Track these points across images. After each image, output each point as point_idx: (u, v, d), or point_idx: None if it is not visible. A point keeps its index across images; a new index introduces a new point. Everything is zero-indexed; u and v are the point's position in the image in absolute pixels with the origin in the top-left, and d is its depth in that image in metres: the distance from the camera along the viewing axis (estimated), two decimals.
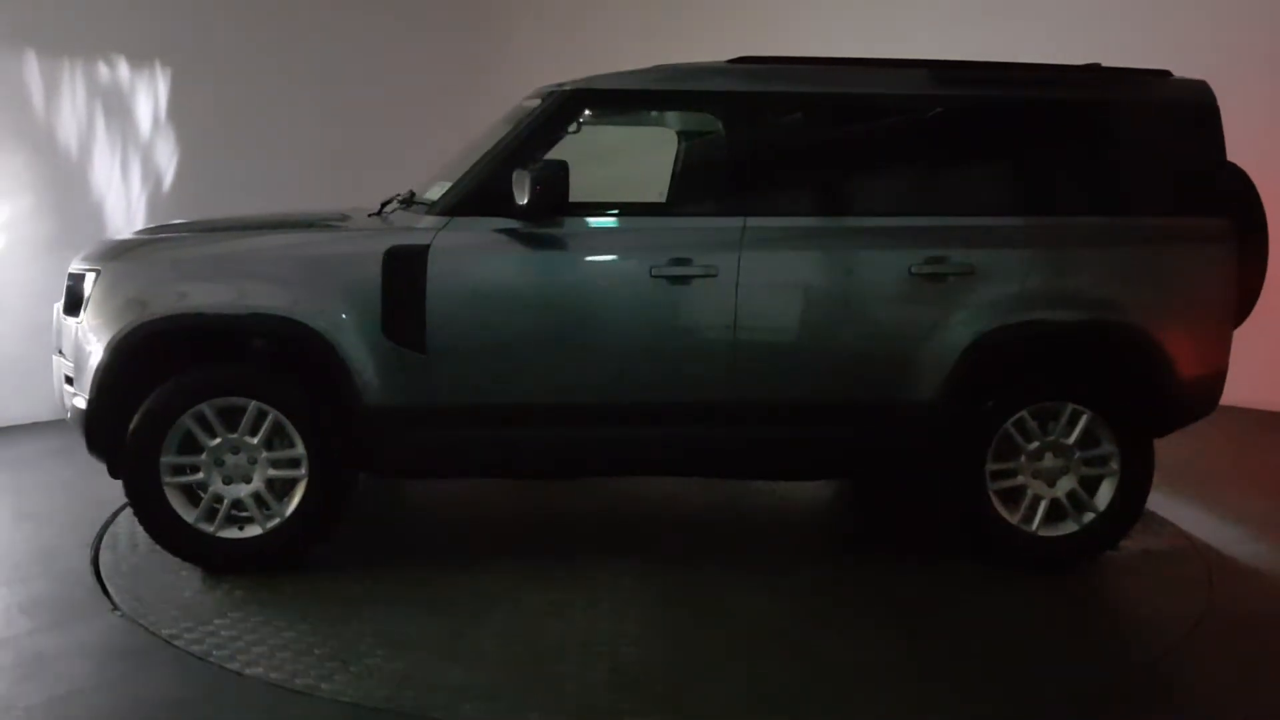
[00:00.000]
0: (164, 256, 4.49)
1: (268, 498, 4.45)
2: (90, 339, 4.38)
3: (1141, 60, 5.23)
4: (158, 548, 4.45)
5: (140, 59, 7.37)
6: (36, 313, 6.15)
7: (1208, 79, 4.86)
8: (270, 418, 4.39)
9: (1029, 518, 4.68)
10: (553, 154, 5.09)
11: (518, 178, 4.30)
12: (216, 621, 4.01)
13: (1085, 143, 4.79)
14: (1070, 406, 4.63)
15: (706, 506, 5.52)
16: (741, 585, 4.47)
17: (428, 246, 4.38)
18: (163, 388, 4.34)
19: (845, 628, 4.13)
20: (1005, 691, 3.68)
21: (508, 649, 3.83)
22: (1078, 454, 4.67)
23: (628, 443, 4.57)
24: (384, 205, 4.87)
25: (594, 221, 4.54)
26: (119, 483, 4.40)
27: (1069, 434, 4.64)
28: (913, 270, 4.50)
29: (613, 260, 4.48)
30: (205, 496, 4.42)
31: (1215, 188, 4.78)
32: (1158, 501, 4.86)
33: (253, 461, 4.43)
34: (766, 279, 4.47)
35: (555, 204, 4.32)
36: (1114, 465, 4.67)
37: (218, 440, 4.40)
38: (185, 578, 4.42)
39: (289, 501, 4.46)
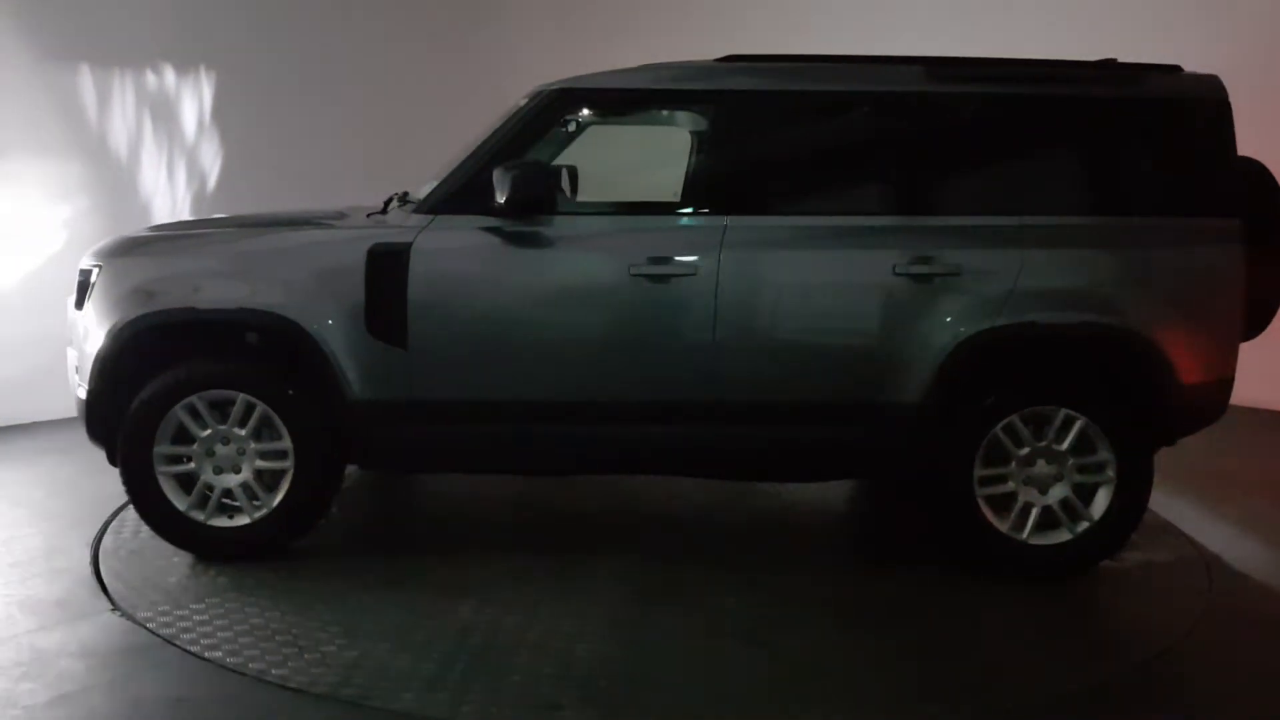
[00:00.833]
0: (160, 254, 4.64)
1: (256, 488, 4.57)
2: (90, 332, 4.56)
3: (1158, 55, 5.06)
4: (155, 542, 4.61)
5: (185, 66, 7.65)
6: None
7: (1228, 74, 4.68)
8: (258, 410, 4.51)
9: (1020, 525, 4.55)
10: (564, 155, 5.20)
11: (497, 176, 4.35)
12: (193, 606, 4.14)
13: (1084, 140, 4.65)
14: (1063, 412, 4.49)
15: (704, 507, 5.49)
16: (719, 585, 4.45)
17: (410, 244, 4.45)
18: (156, 380, 4.49)
19: (814, 628, 4.09)
20: (973, 692, 3.63)
21: (464, 641, 3.87)
22: (1071, 461, 4.53)
23: (608, 441, 4.58)
24: (387, 204, 4.96)
25: (574, 220, 4.57)
26: (119, 481, 4.56)
27: (1062, 440, 4.51)
28: (896, 270, 4.42)
29: (592, 259, 4.48)
30: (197, 486, 4.56)
31: (1225, 187, 4.60)
32: (1157, 501, 4.71)
33: (242, 453, 4.56)
34: (746, 279, 4.44)
35: (533, 202, 4.35)
36: (1110, 473, 4.52)
37: (208, 431, 4.53)
38: (176, 564, 4.56)
39: (276, 492, 4.57)
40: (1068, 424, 4.49)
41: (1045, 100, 4.61)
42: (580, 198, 5.39)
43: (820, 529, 5.36)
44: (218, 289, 4.48)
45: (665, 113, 5.01)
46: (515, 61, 9.05)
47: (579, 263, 4.49)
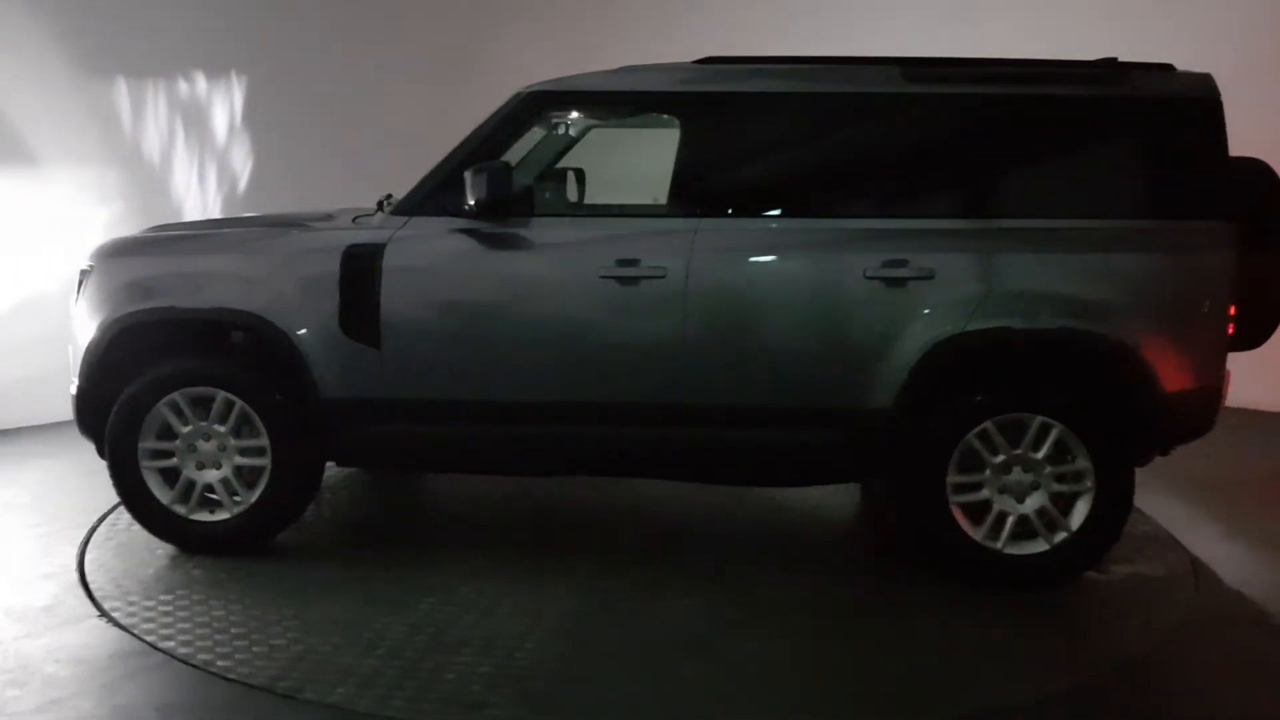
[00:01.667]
0: (146, 255, 4.78)
1: (236, 484, 4.68)
2: (81, 329, 4.71)
3: (1156, 55, 4.91)
4: (140, 547, 4.71)
5: (214, 73, 7.87)
6: None
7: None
8: (237, 407, 4.61)
9: (995, 534, 4.45)
10: (569, 157, 5.25)
11: (467, 178, 4.39)
12: (161, 598, 4.25)
13: (1066, 141, 4.55)
14: (1039, 419, 4.38)
15: (692, 509, 5.45)
16: (685, 587, 4.44)
17: (383, 246, 4.51)
18: (140, 376, 4.62)
19: (773, 632, 4.06)
20: (933, 697, 3.60)
21: (412, 638, 3.92)
22: (1048, 469, 4.42)
23: (578, 443, 4.59)
24: (380, 205, 5.03)
25: (547, 222, 4.58)
26: (104, 488, 4.71)
27: (1039, 448, 4.40)
28: (868, 274, 4.36)
29: (562, 261, 4.50)
30: (180, 480, 4.68)
31: (1216, 189, 4.45)
32: (1143, 502, 4.63)
33: (223, 449, 4.66)
34: (716, 281, 4.42)
35: (498, 204, 4.38)
36: (1089, 483, 4.40)
37: (190, 427, 4.65)
38: (159, 556, 4.67)
39: (255, 489, 4.67)
40: (1044, 431, 4.39)
41: (1025, 100, 4.51)
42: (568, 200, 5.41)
43: (804, 532, 5.28)
44: (198, 289, 4.60)
45: (644, 115, 5.00)
46: (536, 64, 9.12)
47: (549, 265, 4.51)
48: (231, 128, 8.00)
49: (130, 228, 7.17)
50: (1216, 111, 4.46)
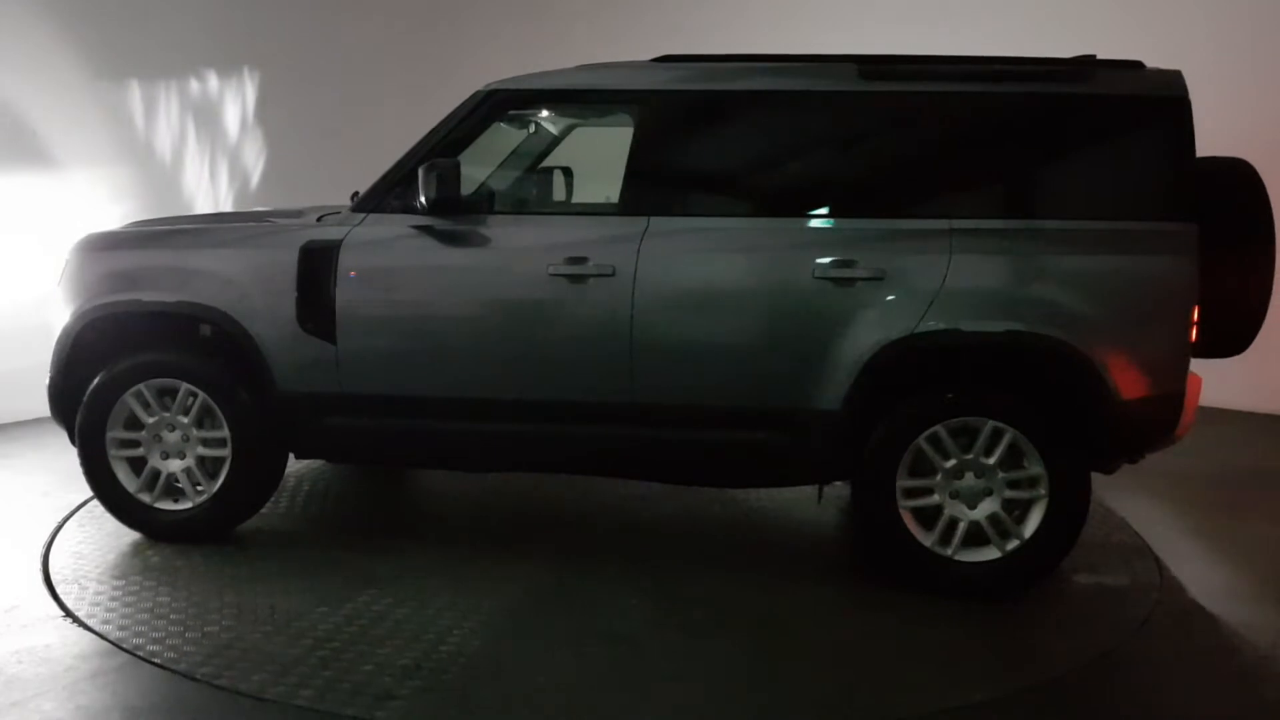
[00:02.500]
0: (115, 248, 4.89)
1: (198, 474, 4.77)
2: (56, 320, 4.84)
3: (1140, 52, 4.80)
4: (104, 546, 4.76)
5: (224, 73, 8.05)
6: None
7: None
8: (199, 399, 4.71)
9: (947, 540, 4.38)
10: (556, 156, 5.28)
11: (419, 175, 4.44)
12: (115, 582, 4.35)
13: (1024, 140, 4.47)
14: (991, 423, 4.30)
15: (669, 509, 5.43)
16: (632, 586, 4.42)
17: (339, 242, 4.58)
18: (108, 368, 4.73)
19: (703, 630, 4.05)
20: (855, 701, 3.56)
21: (342, 629, 3.97)
22: (1001, 475, 4.33)
23: (526, 439, 4.60)
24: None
25: (501, 220, 4.61)
26: (71, 485, 4.91)
27: (991, 453, 4.32)
28: (816, 274, 4.32)
29: (512, 258, 4.52)
30: (145, 469, 4.79)
31: (1181, 189, 4.33)
32: (1110, 498, 4.49)
33: (186, 439, 4.76)
34: (664, 279, 4.41)
35: (444, 201, 4.41)
36: (1042, 490, 4.30)
37: (156, 418, 4.75)
38: (122, 554, 4.70)
39: (217, 479, 4.76)
40: (997, 436, 4.30)
41: (982, 99, 4.44)
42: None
43: (776, 534, 5.22)
44: (162, 283, 4.70)
45: (602, 113, 5.00)
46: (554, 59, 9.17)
47: (500, 262, 4.53)
48: (243, 125, 8.19)
49: None
50: (1183, 110, 4.34)
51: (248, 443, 4.70)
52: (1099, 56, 4.62)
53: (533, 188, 5.36)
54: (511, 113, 4.80)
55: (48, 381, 4.87)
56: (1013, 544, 4.34)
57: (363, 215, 4.64)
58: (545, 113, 5.21)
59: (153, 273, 4.74)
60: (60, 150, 7.12)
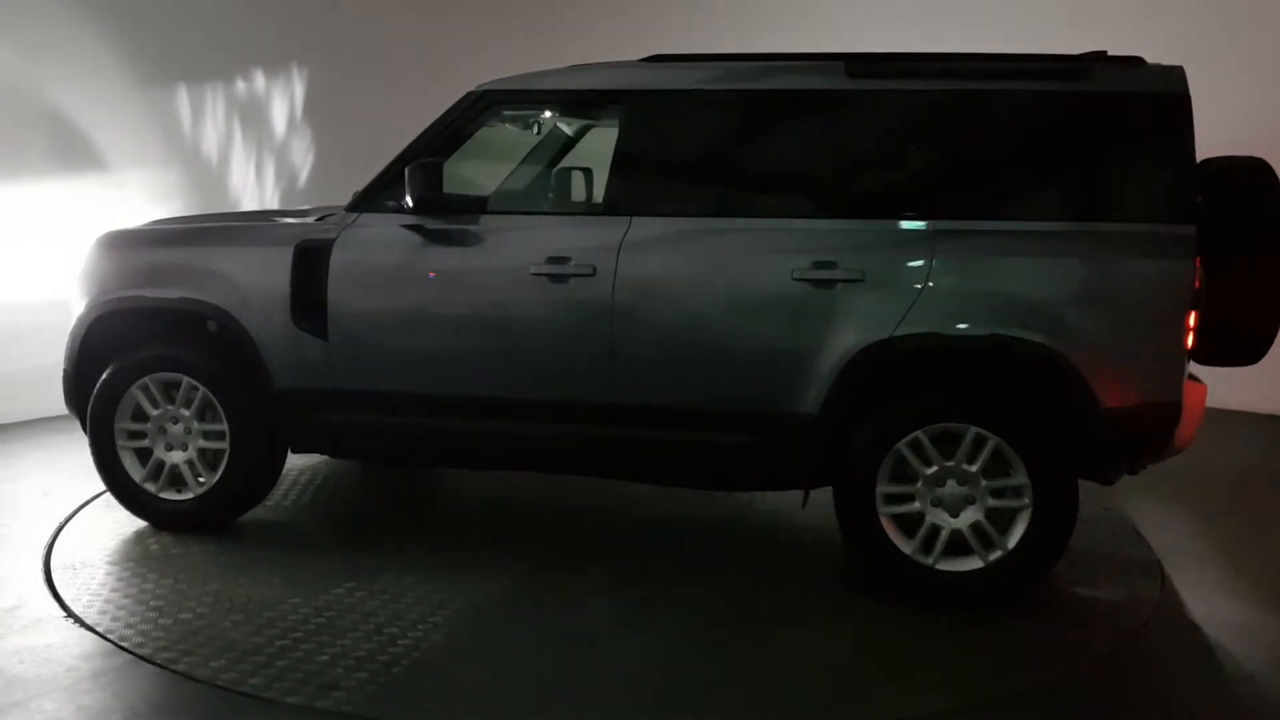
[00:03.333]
0: (126, 245, 5.05)
1: (199, 466, 4.91)
2: (72, 314, 5.03)
3: (1155, 50, 4.65)
4: (107, 545, 4.82)
5: (270, 74, 8.26)
6: None
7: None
8: (200, 393, 4.84)
9: (927, 549, 4.28)
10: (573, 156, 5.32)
11: (405, 175, 4.50)
12: (116, 582, 4.39)
13: (1014, 139, 4.36)
14: (973, 430, 4.19)
15: (663, 511, 5.40)
16: (606, 587, 4.42)
17: (332, 241, 4.67)
18: (116, 361, 4.90)
19: (664, 631, 4.03)
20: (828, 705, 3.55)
21: (309, 620, 4.04)
22: (984, 483, 4.22)
23: (509, 437, 4.62)
24: None
25: (489, 219, 4.64)
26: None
27: (974, 460, 4.21)
28: (795, 275, 4.26)
29: (496, 258, 4.56)
30: (150, 460, 4.95)
31: (1179, 190, 4.17)
32: (1111, 497, 4.40)
33: (188, 432, 4.90)
34: (644, 280, 4.40)
35: (427, 200, 4.47)
36: (1026, 499, 4.18)
37: (160, 410, 4.90)
38: (123, 543, 4.82)
39: (217, 471, 4.89)
40: (980, 443, 4.19)
41: (970, 96, 4.33)
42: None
43: (758, 539, 5.16)
44: (165, 281, 4.86)
45: (592, 113, 5.01)
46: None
47: (483, 261, 4.57)
48: (290, 123, 8.39)
49: None
50: (1183, 107, 4.17)
51: (246, 436, 4.82)
52: (1109, 53, 4.49)
53: (520, 187, 5.39)
54: (504, 113, 4.83)
55: (62, 372, 5.05)
56: (996, 554, 4.23)
57: (356, 215, 4.72)
58: (545, 113, 5.23)
59: (157, 270, 4.89)
60: (112, 154, 7.38)
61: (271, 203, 8.28)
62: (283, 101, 8.43)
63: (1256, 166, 4.39)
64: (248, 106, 8.21)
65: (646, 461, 4.59)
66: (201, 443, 4.89)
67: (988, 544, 4.23)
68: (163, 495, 4.96)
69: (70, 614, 4.06)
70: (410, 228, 4.61)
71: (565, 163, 5.45)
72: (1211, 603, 4.46)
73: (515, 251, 4.51)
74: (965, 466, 4.22)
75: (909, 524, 4.30)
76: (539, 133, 5.41)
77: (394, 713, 3.38)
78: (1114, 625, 4.20)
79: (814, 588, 4.51)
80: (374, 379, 4.66)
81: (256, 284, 4.72)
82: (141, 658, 3.70)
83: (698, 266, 4.39)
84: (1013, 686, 3.67)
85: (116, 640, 3.83)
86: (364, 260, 4.65)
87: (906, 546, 4.29)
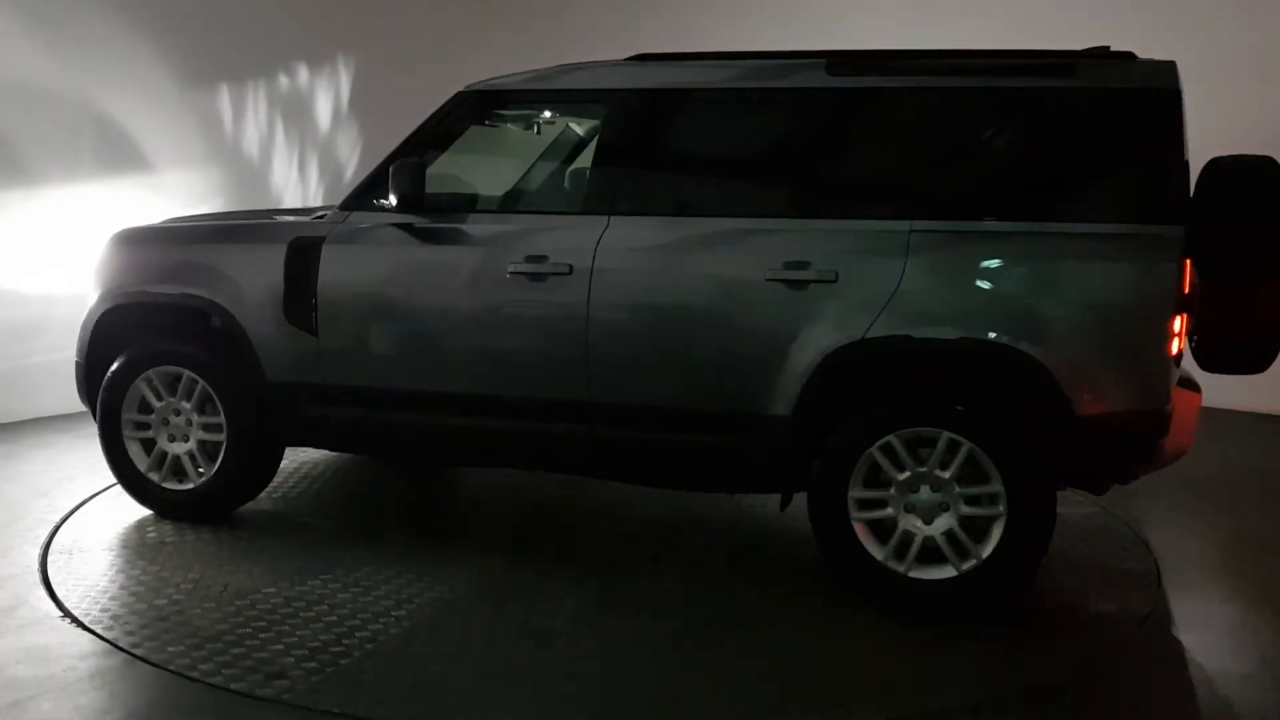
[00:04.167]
0: (135, 242, 5.21)
1: (199, 456, 5.05)
2: (86, 307, 5.22)
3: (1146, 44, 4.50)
4: (103, 545, 4.83)
5: (312, 70, 8.42)
6: None
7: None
8: (199, 386, 4.98)
9: (901, 555, 4.19)
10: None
11: (389, 174, 4.57)
12: (114, 583, 4.41)
13: (996, 136, 4.26)
14: (946, 435, 4.09)
15: (662, 512, 5.37)
16: (576, 589, 4.41)
17: (323, 238, 4.76)
18: (123, 354, 5.07)
19: (626, 631, 4.03)
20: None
21: (277, 610, 4.11)
22: (958, 490, 4.12)
23: (488, 435, 4.66)
24: None
25: (474, 218, 4.69)
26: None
27: (947, 466, 4.11)
28: (768, 275, 4.22)
29: (476, 256, 4.59)
30: (154, 450, 5.10)
31: (1167, 189, 4.03)
32: (1109, 496, 4.48)
33: (189, 424, 5.05)
34: (619, 279, 4.40)
35: (407, 199, 4.52)
36: (1001, 508, 4.07)
37: (163, 402, 5.06)
38: (122, 543, 4.85)
39: (215, 462, 5.02)
40: (953, 449, 4.09)
41: (950, 94, 4.24)
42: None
43: (741, 542, 5.10)
44: (167, 277, 5.01)
45: (579, 113, 5.02)
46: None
47: (463, 260, 4.61)
48: (335, 117, 8.56)
49: None
50: (1172, 104, 4.03)
51: (242, 429, 4.94)
52: (1100, 48, 4.37)
53: (505, 186, 5.42)
54: (491, 112, 4.87)
55: (75, 364, 5.24)
56: (970, 563, 4.12)
57: (347, 213, 4.80)
58: (532, 113, 5.25)
59: (160, 267, 5.05)
60: (155, 156, 7.61)
61: (315, 200, 8.46)
62: (327, 96, 8.58)
63: (1266, 165, 4.21)
64: (291, 102, 8.38)
65: (621, 461, 4.59)
66: (201, 435, 5.03)
67: (962, 552, 4.13)
68: (165, 485, 5.11)
69: (67, 614, 4.08)
70: (396, 226, 4.67)
71: (553, 162, 5.47)
72: (1209, 603, 4.42)
73: (496, 250, 4.54)
74: (938, 472, 4.12)
75: (883, 530, 4.22)
76: (536, 132, 5.43)
77: (330, 703, 3.42)
78: (1111, 625, 4.17)
79: (791, 591, 4.45)
80: (359, 375, 4.74)
81: (251, 281, 4.83)
82: (137, 657, 3.70)
83: (672, 266, 4.37)
84: (1006, 688, 3.65)
85: (102, 633, 3.91)
86: (351, 258, 4.73)
87: (879, 553, 4.21)
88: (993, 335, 4.00)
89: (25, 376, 6.92)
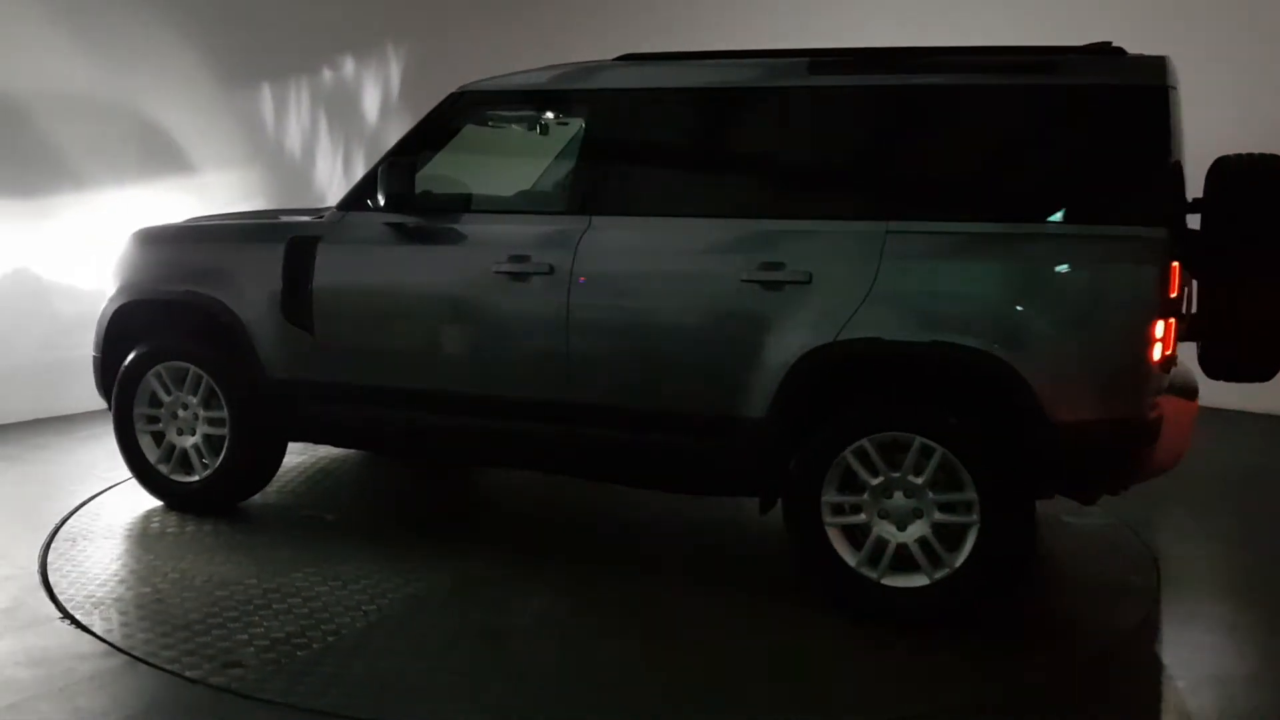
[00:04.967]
0: (149, 242, 5.37)
1: (204, 450, 5.19)
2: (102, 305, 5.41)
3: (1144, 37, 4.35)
4: (102, 546, 4.84)
5: (356, 66, 8.53)
6: None
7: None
8: (205, 381, 5.12)
9: (874, 562, 4.11)
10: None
11: (378, 174, 4.65)
12: (113, 583, 4.42)
13: (977, 135, 4.17)
14: (919, 440, 4.01)
15: (662, 514, 5.34)
16: (550, 588, 4.42)
17: (319, 238, 4.85)
18: (135, 349, 5.23)
19: (582, 636, 4.02)
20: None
21: (251, 601, 4.20)
22: (930, 496, 4.03)
23: (471, 433, 4.70)
24: None
25: (456, 217, 4.73)
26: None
27: (921, 472, 4.02)
28: (744, 276, 4.18)
29: (462, 256, 4.64)
30: (163, 443, 5.26)
31: (1151, 190, 3.90)
32: (1107, 497, 4.33)
33: (196, 417, 5.19)
34: (598, 280, 4.40)
35: (393, 199, 4.59)
36: (974, 515, 3.97)
37: (172, 397, 5.21)
38: (120, 543, 4.90)
39: (219, 455, 5.15)
40: (926, 454, 4.01)
41: (930, 92, 4.16)
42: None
43: (730, 544, 5.07)
44: (174, 275, 5.16)
45: (567, 112, 5.03)
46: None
47: (449, 259, 4.67)
48: (383, 111, 8.69)
49: None
50: (1160, 101, 3.90)
51: (244, 424, 5.06)
52: (1103, 44, 4.24)
53: (495, 186, 5.43)
54: (482, 113, 4.91)
55: (93, 359, 5.42)
56: (943, 572, 4.03)
57: (343, 213, 4.89)
58: (523, 113, 5.26)
59: (169, 265, 5.21)
60: (197, 156, 7.83)
61: None
62: (375, 89, 8.68)
63: (1268, 164, 4.05)
64: (333, 98, 8.52)
65: (600, 461, 4.59)
66: (206, 429, 5.16)
67: (935, 561, 4.03)
68: (173, 477, 5.26)
69: (67, 615, 4.07)
70: (388, 226, 4.74)
71: (544, 162, 5.49)
72: (1208, 603, 4.42)
73: (482, 249, 4.58)
74: (912, 478, 4.04)
75: (858, 536, 4.15)
76: (542, 133, 5.45)
77: (273, 692, 3.49)
78: (1109, 625, 4.15)
79: (771, 594, 4.40)
80: (352, 372, 4.82)
81: (252, 279, 4.95)
82: (176, 675, 3.62)
83: (650, 266, 4.37)
84: (1000, 688, 3.64)
85: (82, 618, 4.02)
86: (345, 257, 4.81)
87: (852, 559, 4.13)
88: (964, 339, 3.90)
89: (82, 367, 7.11)
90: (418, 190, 4.68)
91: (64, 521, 5.13)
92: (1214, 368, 4.28)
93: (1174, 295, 3.89)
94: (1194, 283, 4.18)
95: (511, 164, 5.51)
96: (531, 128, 5.43)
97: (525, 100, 4.94)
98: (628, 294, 4.38)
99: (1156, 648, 4.11)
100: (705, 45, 5.26)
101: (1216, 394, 4.42)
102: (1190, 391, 4.24)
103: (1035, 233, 3.94)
